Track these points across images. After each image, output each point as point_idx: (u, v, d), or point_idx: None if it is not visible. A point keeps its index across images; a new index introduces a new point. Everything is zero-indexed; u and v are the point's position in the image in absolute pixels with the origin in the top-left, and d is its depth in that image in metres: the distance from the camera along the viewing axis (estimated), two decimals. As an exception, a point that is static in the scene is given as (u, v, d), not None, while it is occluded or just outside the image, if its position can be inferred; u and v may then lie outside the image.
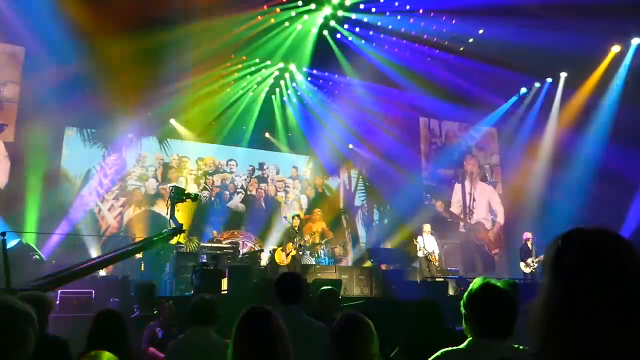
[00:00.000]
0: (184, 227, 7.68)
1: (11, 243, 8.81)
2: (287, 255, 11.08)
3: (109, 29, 10.14)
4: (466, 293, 2.12)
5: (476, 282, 2.12)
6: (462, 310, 2.11)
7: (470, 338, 2.06)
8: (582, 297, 1.01)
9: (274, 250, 11.84)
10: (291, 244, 11.10)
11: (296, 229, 11.40)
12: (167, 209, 7.72)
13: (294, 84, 14.88)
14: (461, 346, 2.06)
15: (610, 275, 1.01)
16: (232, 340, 2.08)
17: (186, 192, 7.94)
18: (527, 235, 11.71)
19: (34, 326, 1.65)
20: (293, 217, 11.74)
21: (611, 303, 0.98)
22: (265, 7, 11.63)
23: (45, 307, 3.23)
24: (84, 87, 11.32)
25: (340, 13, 12.29)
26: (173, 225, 7.46)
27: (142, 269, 10.97)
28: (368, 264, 12.91)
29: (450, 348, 2.08)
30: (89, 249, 11.44)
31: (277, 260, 11.21)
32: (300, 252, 11.65)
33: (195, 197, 8.23)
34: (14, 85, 11.45)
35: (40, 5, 9.89)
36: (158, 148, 14.11)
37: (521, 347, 1.98)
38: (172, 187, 8.12)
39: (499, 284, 2.08)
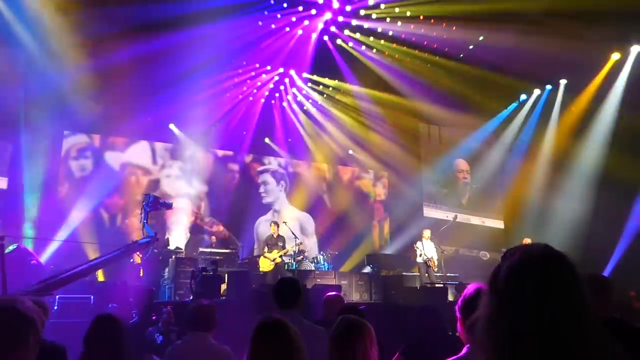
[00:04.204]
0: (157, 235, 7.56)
1: (9, 248, 8.77)
2: (272, 261, 10.95)
3: (109, 34, 10.15)
4: (461, 298, 2.13)
5: (469, 288, 2.14)
6: (458, 314, 2.13)
7: (469, 344, 2.06)
8: (508, 308, 1.11)
9: (258, 256, 11.65)
10: (276, 251, 10.99)
11: (275, 236, 11.28)
12: (140, 216, 7.58)
13: (294, 89, 14.88)
14: (460, 355, 2.05)
15: (532, 288, 1.10)
16: (249, 351, 2.05)
17: (161, 200, 7.80)
18: (527, 241, 11.68)
19: (35, 330, 1.58)
20: (271, 224, 11.64)
21: (534, 314, 1.07)
22: (265, 12, 11.66)
23: (43, 312, 3.21)
24: (84, 91, 11.30)
25: (340, 19, 12.31)
26: (147, 234, 7.32)
27: (141, 274, 10.90)
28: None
29: (450, 359, 2.07)
30: (87, 253, 11.36)
31: (261, 267, 11.07)
32: (286, 260, 11.53)
33: (170, 206, 8.14)
34: (14, 90, 11.40)
35: (40, 10, 9.89)
36: (157, 153, 14.09)
37: None
38: (147, 195, 7.87)
39: None
